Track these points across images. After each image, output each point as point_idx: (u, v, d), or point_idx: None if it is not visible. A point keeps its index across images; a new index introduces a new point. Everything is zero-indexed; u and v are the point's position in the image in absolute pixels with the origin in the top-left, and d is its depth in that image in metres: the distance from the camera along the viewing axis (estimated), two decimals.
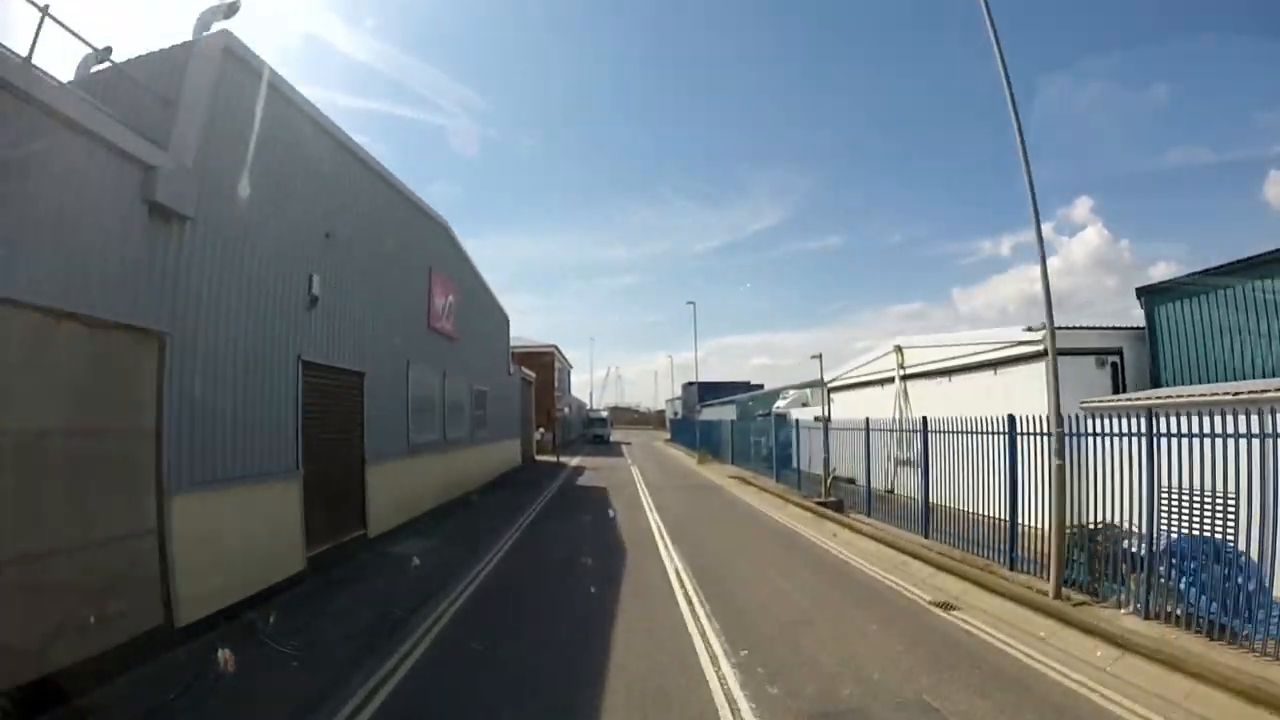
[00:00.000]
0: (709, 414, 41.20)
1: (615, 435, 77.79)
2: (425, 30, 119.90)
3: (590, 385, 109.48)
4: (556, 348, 43.91)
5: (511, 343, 44.42)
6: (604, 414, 58.00)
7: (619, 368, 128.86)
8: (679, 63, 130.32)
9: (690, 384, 55.77)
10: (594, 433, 55.35)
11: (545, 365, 42.35)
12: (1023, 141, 7.65)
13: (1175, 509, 6.34)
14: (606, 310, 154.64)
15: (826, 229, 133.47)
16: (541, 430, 41.22)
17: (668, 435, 66.26)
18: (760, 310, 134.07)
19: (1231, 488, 5.70)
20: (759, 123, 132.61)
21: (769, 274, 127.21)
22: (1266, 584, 5.35)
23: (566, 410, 51.74)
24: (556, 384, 43.41)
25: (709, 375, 77.72)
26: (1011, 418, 8.73)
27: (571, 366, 61.83)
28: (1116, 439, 6.99)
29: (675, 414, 69.90)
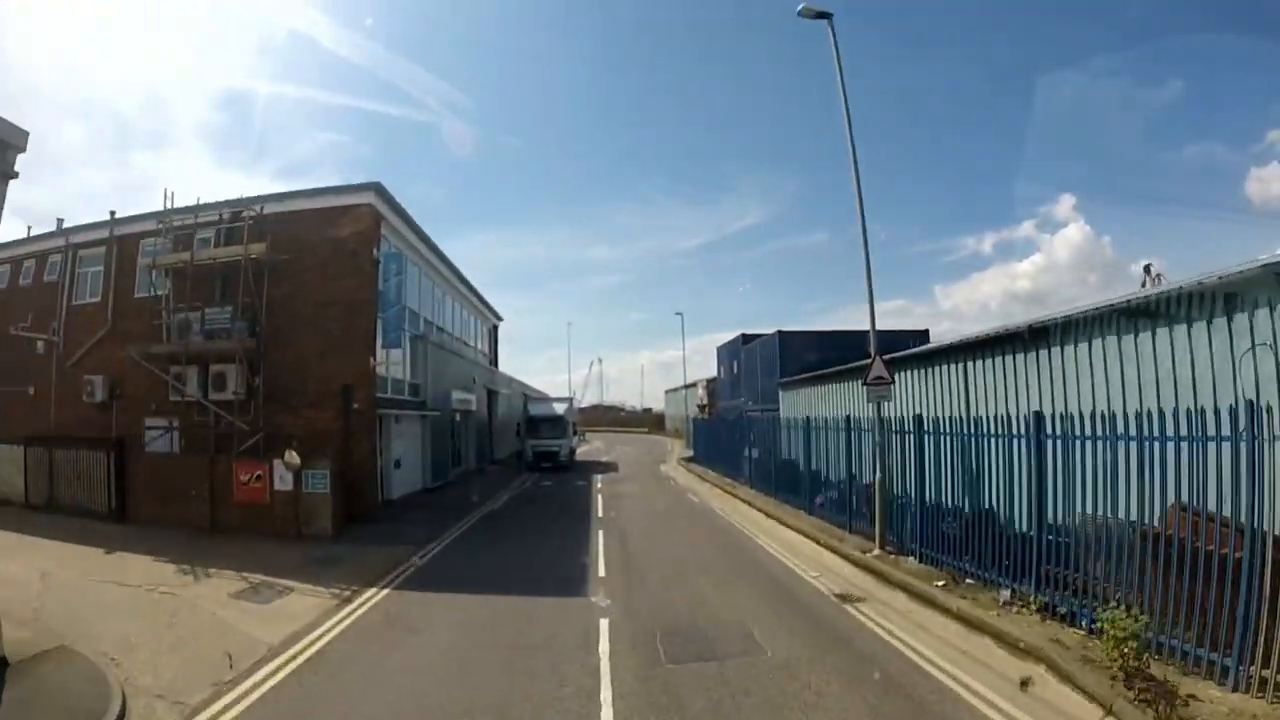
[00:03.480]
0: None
1: (594, 442, 49.22)
2: (409, 28, 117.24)
3: (569, 384, 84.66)
4: (380, 191, 15.10)
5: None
6: (558, 410, 29.16)
7: (601, 360, 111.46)
8: (663, 62, 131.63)
9: (749, 338, 26.51)
10: (537, 446, 26.59)
11: (337, 246, 13.71)
12: None
13: None
14: (590, 310, 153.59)
15: (811, 226, 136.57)
16: (287, 461, 11.54)
17: (685, 449, 37.66)
18: (744, 309, 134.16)
19: None
20: (743, 121, 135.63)
21: (753, 272, 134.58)
22: None
23: (468, 401, 22.66)
24: (382, 290, 14.28)
25: (691, 375, 50.88)
26: None
27: (499, 319, 33.12)
28: None
29: (699, 409, 41.20)
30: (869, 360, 11.31)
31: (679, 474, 25.77)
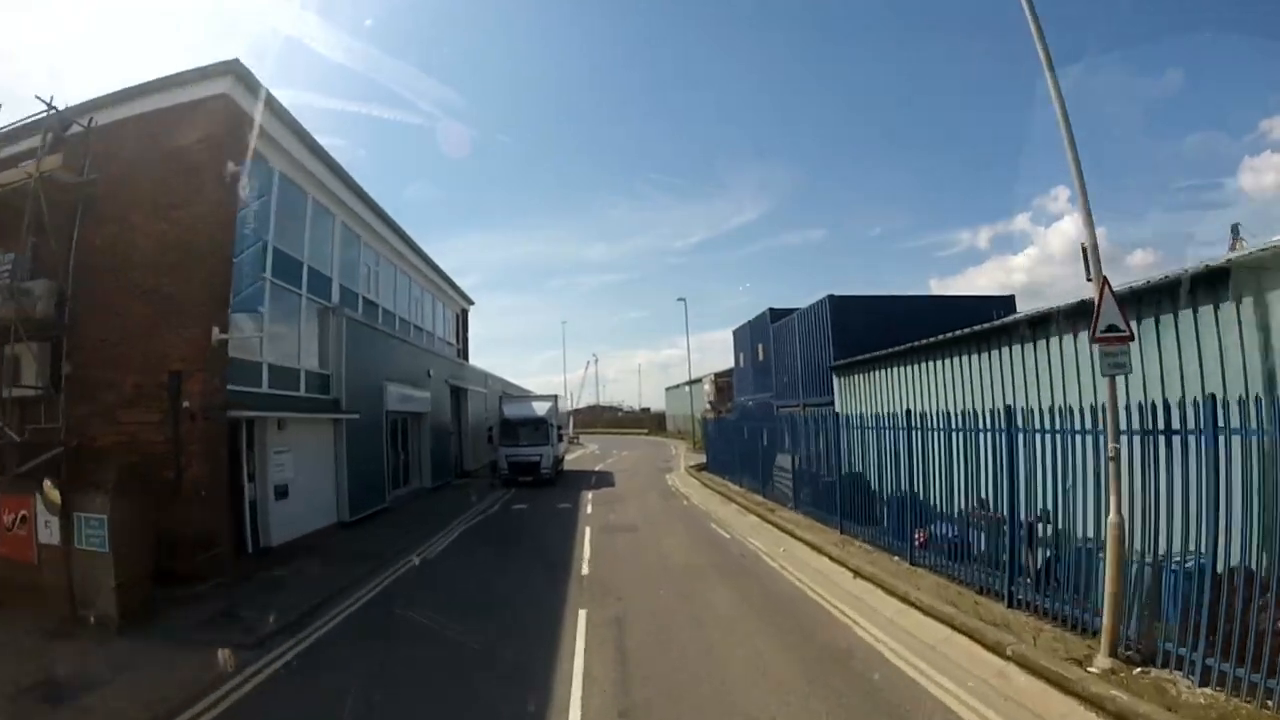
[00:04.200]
0: None
1: (590, 446, 43.97)
2: (404, 30, 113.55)
3: (565, 384, 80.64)
4: (241, 75, 9.97)
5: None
6: (539, 411, 23.80)
7: (597, 359, 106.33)
8: (658, 59, 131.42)
9: (778, 314, 21.00)
10: (513, 456, 21.56)
11: (176, 161, 9.01)
12: None
13: None
14: (587, 309, 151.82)
15: (807, 222, 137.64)
16: (46, 497, 5.51)
17: (692, 453, 32.91)
18: (740, 305, 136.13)
19: None
20: (739, 118, 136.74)
21: (749, 269, 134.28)
22: None
23: (417, 399, 17.62)
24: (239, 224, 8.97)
25: (689, 373, 47.13)
26: None
27: (469, 303, 28.06)
28: None
29: (709, 406, 36.17)
30: (1071, 303, 6.22)
31: (692, 489, 20.59)
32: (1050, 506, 7.17)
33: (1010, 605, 7.23)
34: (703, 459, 27.31)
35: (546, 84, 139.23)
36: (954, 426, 8.51)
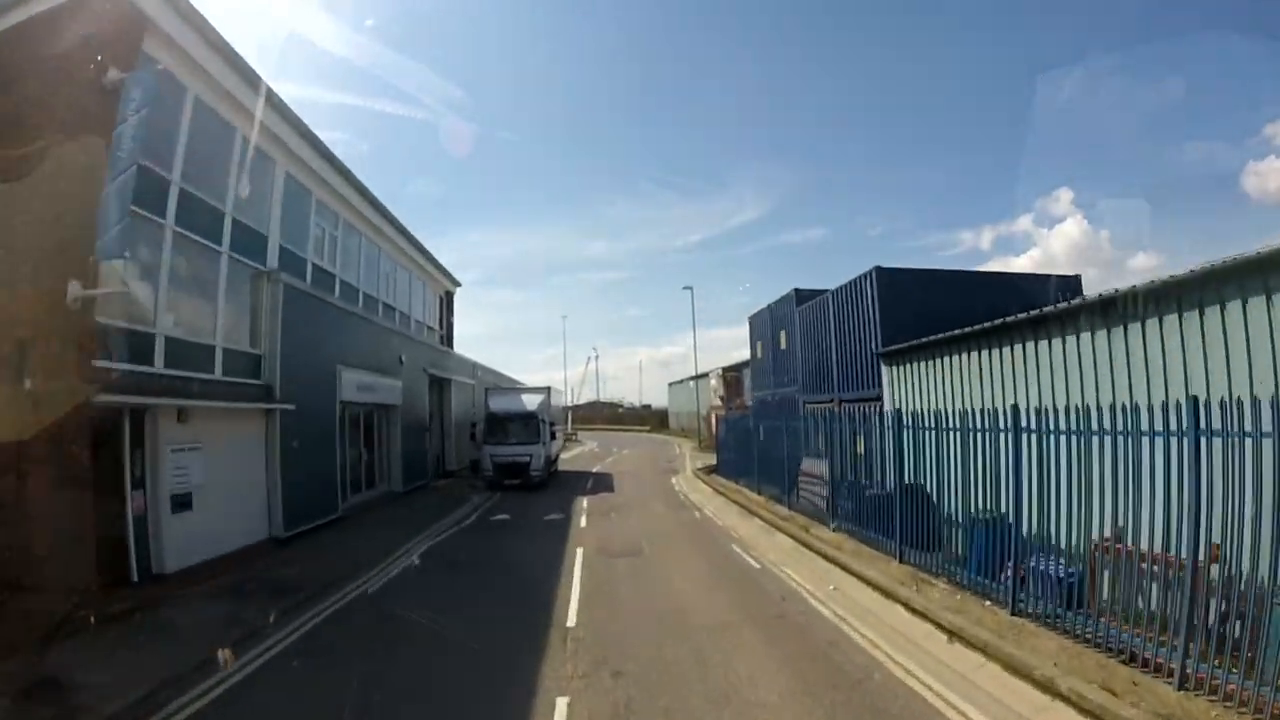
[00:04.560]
0: None
1: (588, 444, 41.64)
2: (408, 26, 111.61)
3: (565, 380, 78.88)
4: None
5: None
6: (529, 405, 21.37)
7: (597, 355, 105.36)
8: (661, 57, 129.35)
9: (805, 296, 18.36)
10: (499, 456, 19.18)
11: (52, 73, 7.52)
12: None
13: None
14: (588, 306, 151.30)
15: (808, 222, 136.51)
16: None
17: (698, 452, 30.74)
18: (741, 304, 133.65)
19: None
20: (741, 117, 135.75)
21: (750, 268, 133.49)
22: None
23: (381, 389, 15.11)
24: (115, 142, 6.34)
25: (690, 370, 46.57)
26: None
27: (455, 284, 25.80)
28: None
29: (720, 401, 33.80)
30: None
31: (703, 496, 18.15)
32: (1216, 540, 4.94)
33: (1181, 685, 4.91)
34: (710, 459, 24.91)
35: (549, 81, 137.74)
36: (1065, 429, 6.15)
